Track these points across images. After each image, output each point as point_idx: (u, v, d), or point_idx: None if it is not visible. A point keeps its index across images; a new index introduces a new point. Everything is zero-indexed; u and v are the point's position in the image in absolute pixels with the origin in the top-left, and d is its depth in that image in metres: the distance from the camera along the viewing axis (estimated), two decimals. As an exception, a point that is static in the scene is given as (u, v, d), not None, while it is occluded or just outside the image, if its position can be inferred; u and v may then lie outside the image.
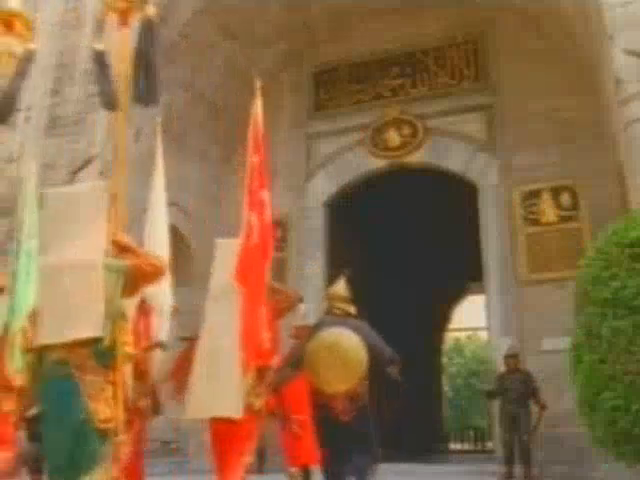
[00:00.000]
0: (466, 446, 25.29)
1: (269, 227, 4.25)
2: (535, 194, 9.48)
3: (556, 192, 9.37)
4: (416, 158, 10.54)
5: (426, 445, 16.12)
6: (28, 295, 5.21)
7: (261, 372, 3.95)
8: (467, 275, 15.13)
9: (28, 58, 4.45)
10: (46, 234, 3.04)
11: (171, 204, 10.12)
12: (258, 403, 3.97)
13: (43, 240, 3.03)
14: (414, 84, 10.89)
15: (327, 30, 11.43)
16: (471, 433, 26.37)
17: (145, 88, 3.52)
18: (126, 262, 2.98)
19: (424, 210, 13.11)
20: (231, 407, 3.84)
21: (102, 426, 2.67)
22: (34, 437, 4.97)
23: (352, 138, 10.91)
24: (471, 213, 10.04)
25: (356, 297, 4.75)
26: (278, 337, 4.11)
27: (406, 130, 10.59)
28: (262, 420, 4.06)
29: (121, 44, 3.55)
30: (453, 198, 11.09)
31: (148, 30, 3.56)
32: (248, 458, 3.93)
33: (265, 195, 4.26)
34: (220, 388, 3.87)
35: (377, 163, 10.76)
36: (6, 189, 9.24)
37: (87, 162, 8.38)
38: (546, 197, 9.41)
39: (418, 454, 12.78)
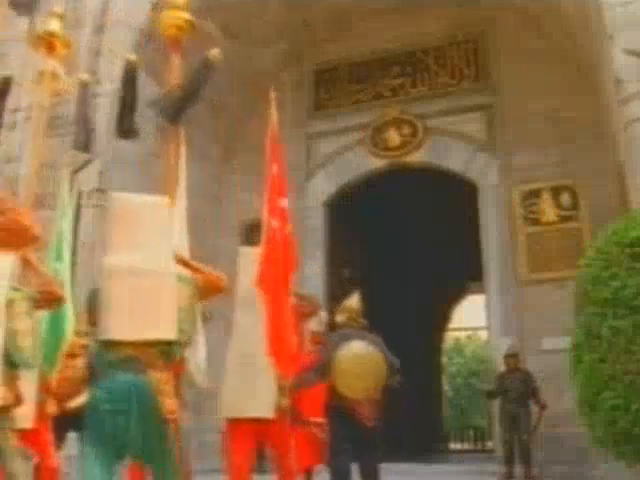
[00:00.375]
0: (466, 446, 25.29)
1: (291, 235, 4.41)
2: (535, 194, 9.48)
3: (556, 192, 9.36)
4: (416, 158, 10.53)
5: (426, 445, 16.12)
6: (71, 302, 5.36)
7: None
8: (467, 275, 15.13)
9: (84, 87, 4.61)
10: (112, 236, 3.18)
11: (171, 204, 10.14)
12: (284, 403, 4.31)
13: (108, 241, 3.15)
14: (414, 84, 10.88)
15: (327, 29, 11.42)
16: (471, 433, 26.37)
17: (176, 110, 3.89)
18: (198, 276, 3.30)
19: (424, 210, 13.10)
20: (265, 408, 4.16)
21: (170, 417, 2.98)
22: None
23: (352, 138, 10.90)
24: (471, 213, 10.04)
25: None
26: (302, 340, 4.43)
27: (406, 130, 10.59)
28: (288, 419, 4.36)
29: (173, 69, 3.74)
30: (453, 198, 11.09)
31: (207, 69, 3.72)
32: (293, 454, 4.30)
33: (284, 203, 4.43)
34: (254, 390, 4.18)
35: (377, 163, 10.75)
36: (5, 189, 9.23)
37: (87, 162, 8.38)
38: (546, 197, 9.41)
39: (418, 454, 12.78)
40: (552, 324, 8.13)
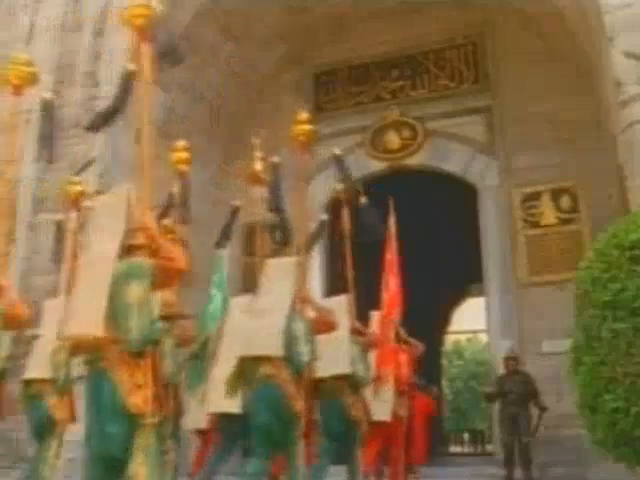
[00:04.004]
0: (466, 448, 25.24)
1: (396, 297, 6.90)
2: (535, 196, 9.49)
3: (556, 194, 9.37)
4: (416, 160, 10.54)
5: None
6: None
7: (401, 392, 6.18)
8: (467, 277, 15.12)
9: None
10: None
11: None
12: (401, 411, 6.14)
13: None
14: (414, 86, 10.89)
15: (327, 32, 11.42)
16: (470, 435, 26.33)
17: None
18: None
19: (424, 212, 13.08)
20: (385, 414, 5.85)
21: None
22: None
23: (352, 140, 10.89)
24: (471, 215, 10.04)
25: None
26: (411, 374, 6.53)
27: (406, 132, 10.60)
28: (404, 423, 6.31)
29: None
30: (453, 200, 11.09)
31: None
32: (402, 450, 6.08)
33: (392, 280, 7.09)
34: (380, 401, 5.83)
35: (377, 165, 10.76)
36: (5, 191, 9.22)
37: (87, 164, 8.39)
38: (546, 199, 9.41)
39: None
40: (552, 326, 8.13)
